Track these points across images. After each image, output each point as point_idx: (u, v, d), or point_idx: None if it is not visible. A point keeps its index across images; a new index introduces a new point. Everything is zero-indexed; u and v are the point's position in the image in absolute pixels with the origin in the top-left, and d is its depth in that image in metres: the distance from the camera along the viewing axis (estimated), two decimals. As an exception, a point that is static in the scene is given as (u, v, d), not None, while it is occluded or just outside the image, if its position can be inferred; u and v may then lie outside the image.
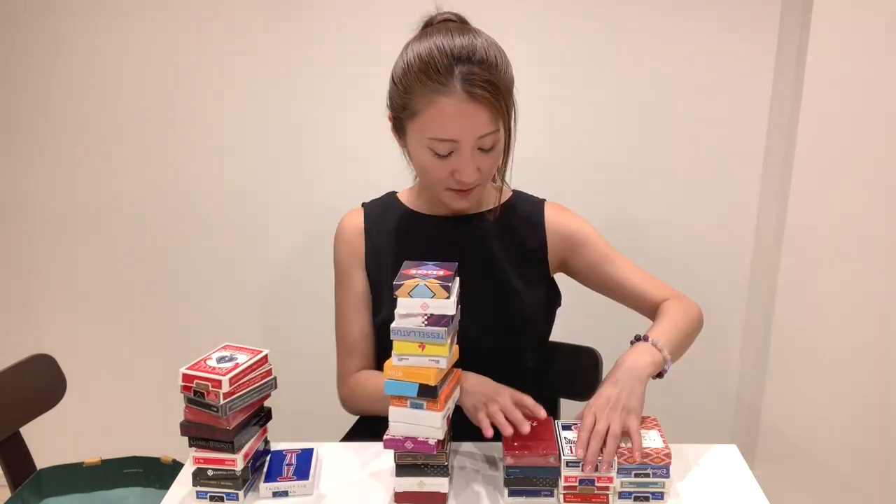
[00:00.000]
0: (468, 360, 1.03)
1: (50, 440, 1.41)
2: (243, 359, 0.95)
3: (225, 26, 1.67)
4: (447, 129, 1.00)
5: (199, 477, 0.95)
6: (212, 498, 0.96)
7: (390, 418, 0.92)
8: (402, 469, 0.94)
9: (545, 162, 1.69)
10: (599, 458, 0.92)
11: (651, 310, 1.18)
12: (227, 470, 0.94)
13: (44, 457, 1.22)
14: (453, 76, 0.98)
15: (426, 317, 0.88)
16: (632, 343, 1.07)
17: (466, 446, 1.09)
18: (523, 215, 1.19)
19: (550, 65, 1.66)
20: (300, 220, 1.78)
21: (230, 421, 0.92)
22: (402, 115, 1.05)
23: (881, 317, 1.65)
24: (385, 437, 0.93)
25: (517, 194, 1.23)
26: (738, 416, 1.86)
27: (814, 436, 1.74)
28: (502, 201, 1.19)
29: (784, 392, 1.72)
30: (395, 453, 0.94)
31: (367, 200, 1.25)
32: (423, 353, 0.89)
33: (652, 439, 0.96)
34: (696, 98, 1.66)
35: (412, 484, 0.94)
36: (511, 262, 1.16)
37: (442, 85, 0.98)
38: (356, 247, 1.19)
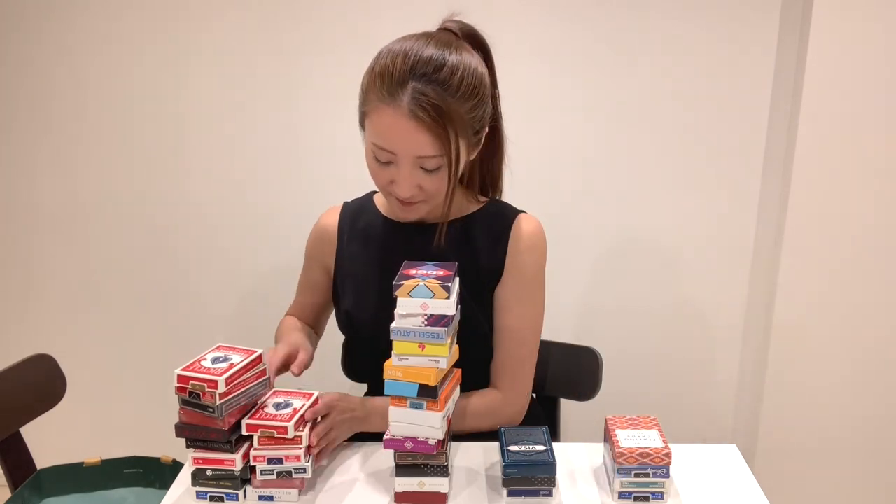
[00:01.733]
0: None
1: (50, 440, 1.41)
2: (237, 359, 0.95)
3: (227, 27, 1.67)
4: (386, 140, 0.98)
5: (198, 477, 0.95)
6: (211, 498, 0.96)
7: (390, 418, 0.92)
8: (402, 469, 0.94)
9: (543, 162, 1.70)
10: None
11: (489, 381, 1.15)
12: (225, 470, 0.94)
13: (44, 457, 1.22)
14: (405, 89, 0.95)
15: (426, 317, 0.88)
16: None
17: (466, 446, 1.09)
18: (490, 228, 1.13)
19: (548, 65, 1.66)
20: (302, 221, 1.78)
21: (226, 422, 0.92)
22: (361, 112, 1.04)
23: (881, 317, 1.65)
24: (385, 437, 0.93)
25: (493, 205, 1.16)
26: (738, 416, 1.86)
27: (814, 435, 1.74)
28: (472, 210, 1.14)
29: (784, 392, 1.72)
30: (394, 453, 0.94)
31: (349, 199, 1.25)
32: (423, 354, 0.89)
33: (652, 439, 0.96)
34: (696, 98, 1.66)
35: (412, 484, 0.94)
36: (467, 277, 1.08)
37: (391, 95, 0.96)
38: (323, 248, 1.21)
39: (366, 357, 1.17)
